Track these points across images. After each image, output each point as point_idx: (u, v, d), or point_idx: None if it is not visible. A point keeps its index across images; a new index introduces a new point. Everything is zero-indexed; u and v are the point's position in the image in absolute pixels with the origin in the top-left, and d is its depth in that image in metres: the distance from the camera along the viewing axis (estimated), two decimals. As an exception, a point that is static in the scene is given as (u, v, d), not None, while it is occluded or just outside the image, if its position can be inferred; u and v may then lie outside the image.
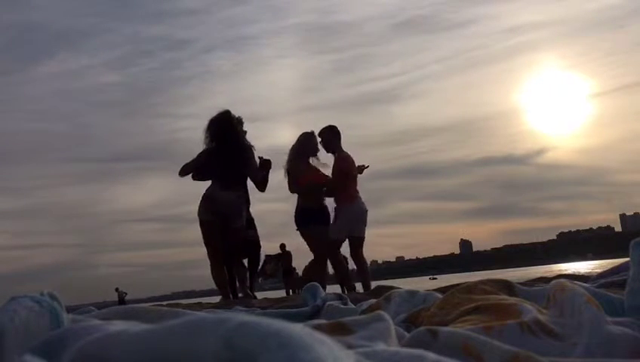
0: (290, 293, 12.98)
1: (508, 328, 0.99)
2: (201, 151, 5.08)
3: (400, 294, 1.71)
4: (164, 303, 5.30)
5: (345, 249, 5.52)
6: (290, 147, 5.54)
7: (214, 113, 5.13)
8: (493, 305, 1.20)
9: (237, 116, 5.19)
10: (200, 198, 5.02)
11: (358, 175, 5.54)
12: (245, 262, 5.74)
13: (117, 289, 24.76)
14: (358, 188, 5.53)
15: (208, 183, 5.07)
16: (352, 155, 5.55)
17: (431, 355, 0.62)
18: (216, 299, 5.61)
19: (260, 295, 6.00)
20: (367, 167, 5.62)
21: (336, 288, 5.28)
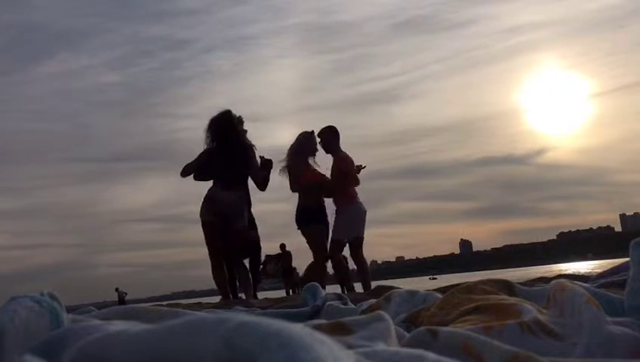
0: (290, 293, 12.98)
1: (508, 328, 0.99)
2: (202, 151, 5.08)
3: (400, 294, 1.71)
4: (164, 303, 5.31)
5: (345, 249, 5.52)
6: (289, 147, 5.55)
7: (215, 113, 5.13)
8: (493, 305, 1.20)
9: (237, 116, 5.19)
10: (201, 199, 5.02)
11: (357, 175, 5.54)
12: (246, 262, 5.74)
13: (117, 289, 24.76)
14: (356, 188, 5.54)
15: (209, 183, 5.07)
16: (351, 155, 5.56)
17: (431, 355, 0.62)
18: (217, 299, 5.61)
19: (260, 295, 6.00)
20: (365, 167, 5.62)
21: (336, 288, 5.28)
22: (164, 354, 0.49)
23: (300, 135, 5.55)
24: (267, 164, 5.10)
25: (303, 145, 5.48)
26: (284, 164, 5.42)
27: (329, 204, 5.52)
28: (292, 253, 14.51)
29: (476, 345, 0.83)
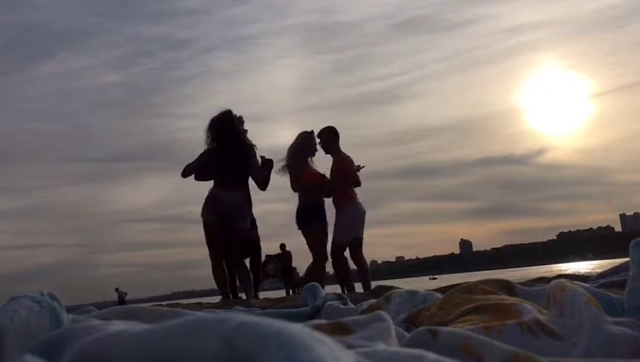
0: (290, 293, 12.98)
1: (508, 328, 0.99)
2: (202, 151, 5.08)
3: (400, 294, 1.71)
4: (164, 303, 5.31)
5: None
6: (289, 147, 5.55)
7: (215, 113, 5.13)
8: (493, 305, 1.20)
9: (238, 115, 5.19)
10: (201, 199, 5.02)
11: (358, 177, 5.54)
12: (246, 262, 5.74)
13: (117, 289, 24.75)
14: (356, 189, 5.54)
15: (210, 183, 5.07)
16: (351, 155, 5.56)
17: (431, 355, 0.62)
18: (217, 299, 5.61)
19: (260, 295, 6.00)
20: (363, 166, 5.63)
21: (336, 288, 5.28)
22: (164, 354, 0.49)
23: (299, 135, 5.55)
24: (268, 163, 5.10)
25: (303, 145, 5.48)
26: (283, 163, 5.42)
27: (328, 204, 5.52)
28: (292, 253, 14.51)
29: (476, 345, 0.83)
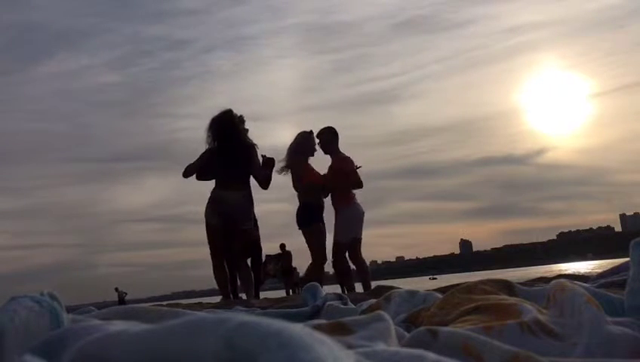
0: (290, 293, 12.98)
1: (508, 328, 0.99)
2: (203, 151, 5.07)
3: (400, 294, 1.71)
4: (164, 303, 5.31)
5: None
6: (288, 146, 5.54)
7: (216, 112, 5.12)
8: (493, 305, 1.20)
9: (239, 115, 5.18)
10: (201, 198, 5.02)
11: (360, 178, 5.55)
12: (247, 262, 5.73)
13: (117, 289, 24.75)
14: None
15: (211, 183, 5.07)
16: (350, 156, 5.57)
17: (431, 355, 0.62)
18: (217, 299, 5.61)
19: (260, 295, 6.00)
20: (360, 167, 5.63)
21: (336, 288, 5.29)
22: (164, 354, 0.49)
23: (298, 135, 5.55)
24: (269, 162, 5.10)
25: (302, 145, 5.48)
26: (283, 164, 5.42)
27: (327, 204, 5.52)
28: (292, 253, 14.52)
29: (476, 345, 0.83)
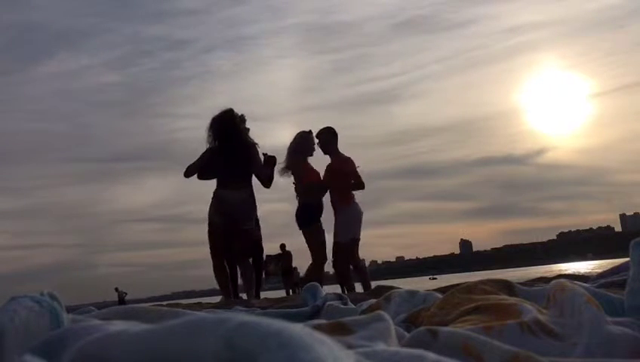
0: (290, 293, 12.98)
1: (508, 328, 0.99)
2: (204, 150, 5.07)
3: (400, 294, 1.71)
4: (164, 303, 5.31)
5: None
6: (287, 146, 5.54)
7: (217, 112, 5.12)
8: (493, 305, 1.20)
9: (240, 114, 5.18)
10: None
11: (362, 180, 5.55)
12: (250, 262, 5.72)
13: (117, 289, 24.75)
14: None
15: (212, 183, 5.07)
16: (350, 156, 5.57)
17: (431, 355, 0.62)
18: (217, 299, 5.61)
19: (260, 295, 5.99)
20: (358, 167, 5.64)
21: (336, 288, 5.29)
22: (164, 354, 0.49)
23: (297, 135, 5.54)
24: (271, 160, 5.11)
25: (301, 145, 5.48)
26: (283, 165, 5.42)
27: (327, 205, 5.52)
28: (292, 253, 14.52)
29: (476, 345, 0.83)
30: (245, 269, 5.18)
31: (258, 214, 5.46)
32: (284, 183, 5.45)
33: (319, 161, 5.61)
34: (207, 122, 5.10)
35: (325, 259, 5.44)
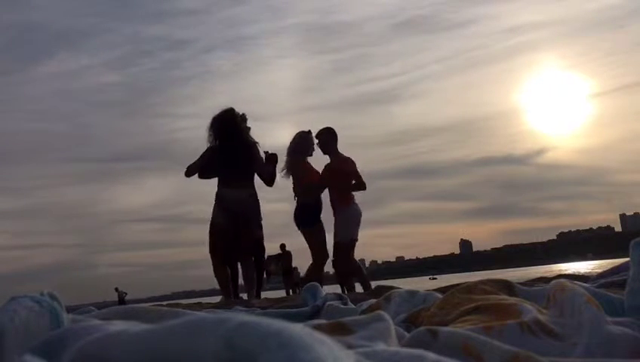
0: (290, 293, 12.98)
1: (508, 328, 0.99)
2: (205, 149, 5.07)
3: (400, 294, 1.71)
4: (164, 303, 5.31)
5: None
6: (287, 147, 5.54)
7: (217, 111, 5.12)
8: (493, 305, 1.20)
9: (241, 113, 5.18)
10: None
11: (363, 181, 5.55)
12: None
13: (117, 289, 24.75)
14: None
15: (213, 182, 5.07)
16: (350, 155, 5.57)
17: (431, 355, 0.62)
18: (217, 299, 5.61)
19: (261, 295, 5.99)
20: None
21: (336, 288, 5.29)
22: (164, 354, 0.49)
23: (296, 135, 5.54)
24: (272, 158, 5.10)
25: (300, 145, 5.48)
26: (283, 166, 5.41)
27: (326, 204, 5.52)
28: (292, 253, 14.53)
29: (476, 345, 0.83)
30: (247, 269, 5.17)
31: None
32: (284, 183, 5.45)
33: (319, 161, 5.62)
34: (207, 122, 5.11)
35: (325, 259, 5.44)
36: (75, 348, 0.59)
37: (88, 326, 0.68)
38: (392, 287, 2.57)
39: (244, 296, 5.18)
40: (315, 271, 5.35)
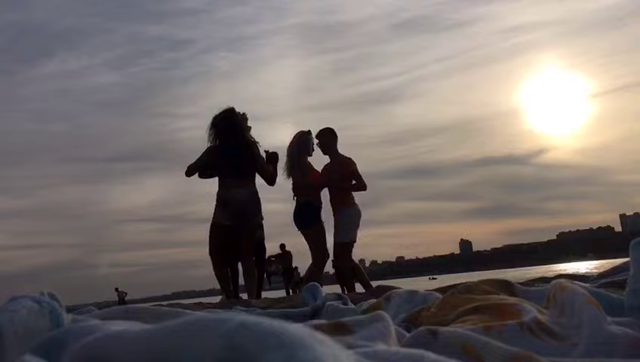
0: (290, 293, 12.98)
1: (508, 328, 0.99)
2: (205, 149, 5.07)
3: (400, 294, 1.71)
4: (164, 303, 5.30)
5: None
6: (287, 147, 5.53)
7: (218, 111, 5.11)
8: (493, 305, 1.20)
9: (242, 113, 5.18)
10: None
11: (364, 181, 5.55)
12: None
13: (117, 289, 24.76)
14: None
15: (213, 182, 5.07)
16: (351, 155, 5.57)
17: (431, 355, 0.62)
18: (217, 299, 5.61)
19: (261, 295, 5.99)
20: None
21: (336, 288, 5.29)
22: (164, 354, 0.49)
23: (296, 134, 5.54)
24: (273, 157, 5.10)
25: (299, 145, 5.47)
26: (287, 165, 5.40)
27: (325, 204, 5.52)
28: (292, 253, 14.52)
29: (476, 345, 0.83)
30: (248, 269, 5.17)
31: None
32: (283, 183, 5.45)
33: (319, 161, 5.62)
34: (207, 122, 5.10)
35: (326, 259, 5.44)
36: (75, 348, 0.59)
37: (88, 326, 0.68)
38: (392, 287, 2.57)
39: (244, 295, 5.18)
40: (315, 271, 5.35)
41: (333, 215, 5.46)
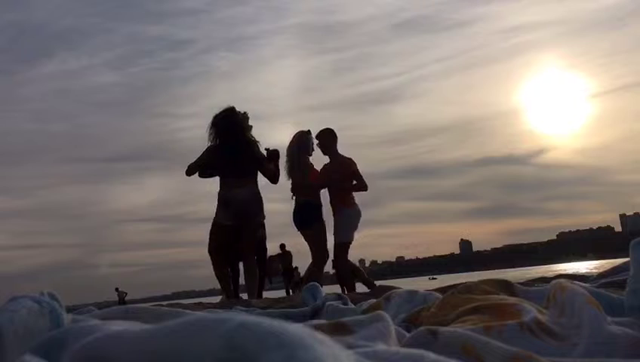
0: (290, 293, 12.98)
1: (508, 328, 0.99)
2: (206, 148, 5.06)
3: (400, 294, 1.71)
4: (164, 303, 5.30)
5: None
6: (287, 147, 5.53)
7: (218, 110, 5.11)
8: (493, 305, 1.20)
9: (243, 112, 5.17)
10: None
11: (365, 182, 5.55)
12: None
13: (117, 289, 24.76)
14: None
15: (214, 181, 5.07)
16: (351, 155, 5.57)
17: (431, 355, 0.62)
18: (217, 299, 5.60)
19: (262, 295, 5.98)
20: None
21: (336, 288, 5.28)
22: (164, 354, 0.49)
23: (296, 134, 5.53)
24: (273, 155, 5.09)
25: (299, 145, 5.47)
26: (289, 164, 5.40)
27: (325, 204, 5.52)
28: (292, 253, 14.52)
29: (476, 345, 0.83)
30: (250, 268, 5.16)
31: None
32: (283, 182, 5.45)
33: (319, 161, 5.61)
34: (207, 122, 5.10)
35: (326, 259, 5.43)
36: (75, 348, 0.59)
37: (88, 326, 0.68)
38: (392, 287, 2.57)
39: (245, 295, 5.18)
40: (315, 271, 5.35)
41: (333, 215, 5.46)
